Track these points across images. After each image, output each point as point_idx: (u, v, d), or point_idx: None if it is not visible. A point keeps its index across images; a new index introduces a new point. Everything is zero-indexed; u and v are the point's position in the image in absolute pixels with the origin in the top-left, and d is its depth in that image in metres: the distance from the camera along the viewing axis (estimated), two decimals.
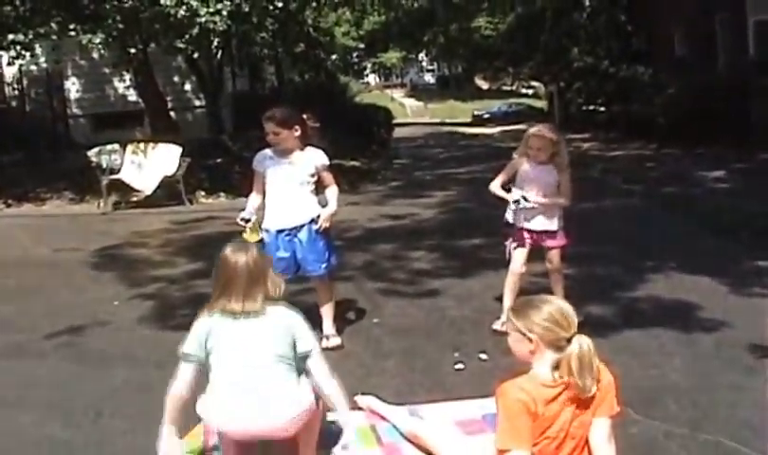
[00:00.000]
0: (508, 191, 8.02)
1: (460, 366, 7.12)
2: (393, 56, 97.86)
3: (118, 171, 19.20)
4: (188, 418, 5.81)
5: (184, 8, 20.35)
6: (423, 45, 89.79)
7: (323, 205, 7.82)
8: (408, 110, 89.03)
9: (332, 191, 7.88)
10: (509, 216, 8.01)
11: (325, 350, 7.40)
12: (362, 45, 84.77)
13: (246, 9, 21.71)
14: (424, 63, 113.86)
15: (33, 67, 29.79)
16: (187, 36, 21.43)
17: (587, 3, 42.45)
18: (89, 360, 7.76)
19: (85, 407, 6.45)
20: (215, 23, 20.67)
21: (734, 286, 9.26)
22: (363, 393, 6.09)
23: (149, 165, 19.28)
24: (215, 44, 24.64)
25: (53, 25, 22.45)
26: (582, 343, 4.18)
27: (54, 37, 23.54)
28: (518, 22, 60.22)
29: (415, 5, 62.13)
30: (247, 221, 7.53)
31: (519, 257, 8.02)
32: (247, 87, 38.80)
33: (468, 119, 69.88)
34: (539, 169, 7.82)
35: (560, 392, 4.16)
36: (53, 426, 6.13)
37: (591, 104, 40.68)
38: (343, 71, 75.58)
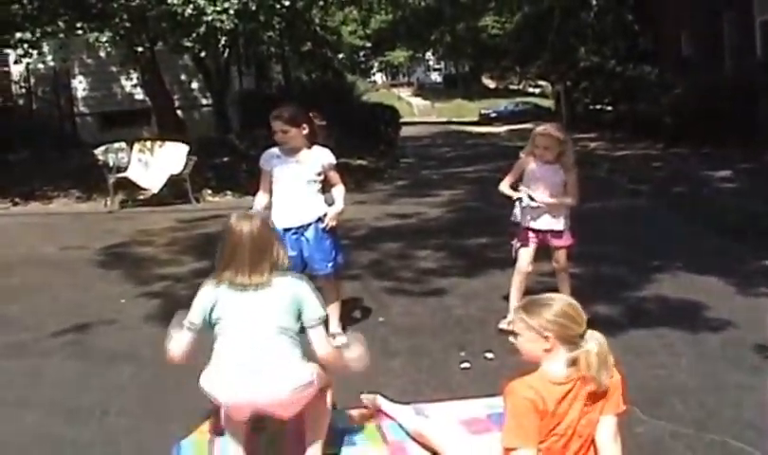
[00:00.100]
0: (517, 190, 8.01)
1: (466, 365, 7.12)
2: (399, 55, 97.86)
3: (125, 169, 19.22)
4: (190, 416, 5.84)
5: (191, 6, 20.37)
6: (430, 43, 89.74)
7: (330, 204, 7.82)
8: (414, 109, 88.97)
9: (339, 190, 7.88)
10: (516, 215, 8.01)
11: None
12: (369, 44, 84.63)
13: (254, 8, 21.70)
14: (431, 63, 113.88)
15: (40, 66, 29.83)
16: (194, 35, 21.45)
17: (594, 2, 42.40)
18: (95, 358, 7.77)
19: (91, 405, 6.45)
20: (222, 21, 20.69)
21: (740, 286, 9.25)
22: (369, 392, 6.09)
23: (156, 163, 19.30)
24: (222, 42, 24.64)
25: (60, 23, 22.49)
26: (598, 338, 4.22)
27: (61, 35, 23.62)
28: (525, 21, 60.17)
29: (422, 4, 62.15)
30: None
31: (525, 256, 8.02)
32: (254, 86, 38.83)
33: (475, 119, 69.72)
34: (546, 168, 7.81)
35: (570, 390, 4.16)
36: (59, 424, 6.14)
37: (597, 104, 40.63)
38: (350, 70, 75.64)
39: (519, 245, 8.04)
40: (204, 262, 11.11)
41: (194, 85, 33.04)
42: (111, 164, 19.18)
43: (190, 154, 19.36)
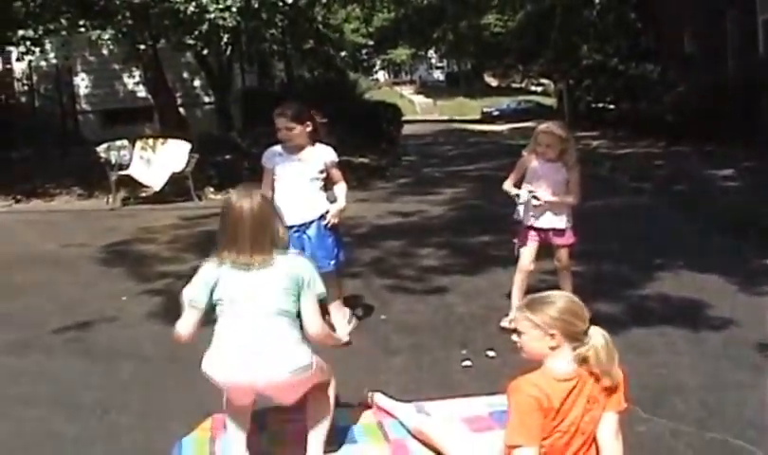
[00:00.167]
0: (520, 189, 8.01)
1: (467, 363, 7.12)
2: (402, 53, 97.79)
3: (127, 167, 19.21)
4: (192, 413, 5.84)
5: (194, 4, 20.37)
6: (432, 41, 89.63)
7: (332, 201, 7.83)
8: (417, 107, 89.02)
9: (341, 188, 7.89)
10: (519, 213, 8.01)
11: (333, 346, 7.44)
12: (371, 42, 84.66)
13: (256, 6, 21.71)
14: (433, 60, 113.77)
15: (43, 63, 29.80)
16: (196, 32, 21.45)
17: (596, 0, 42.39)
18: (97, 356, 7.78)
19: (93, 402, 6.46)
20: (225, 19, 20.68)
21: (742, 285, 9.24)
22: (371, 390, 6.09)
23: (158, 161, 19.28)
24: (225, 40, 24.61)
25: (63, 20, 22.48)
26: (603, 333, 4.25)
27: (64, 33, 23.59)
28: (527, 19, 60.21)
29: (425, 2, 62.22)
30: None
31: (527, 254, 8.02)
32: (257, 84, 38.82)
33: (478, 117, 69.82)
34: (548, 166, 7.81)
35: (575, 386, 4.17)
36: (60, 421, 6.14)
37: (600, 102, 40.67)
38: (353, 68, 75.58)
39: (521, 243, 8.04)
40: (206, 259, 11.12)
41: (197, 83, 33.03)
42: (113, 161, 19.17)
43: (192, 151, 19.35)
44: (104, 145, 19.70)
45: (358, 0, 40.11)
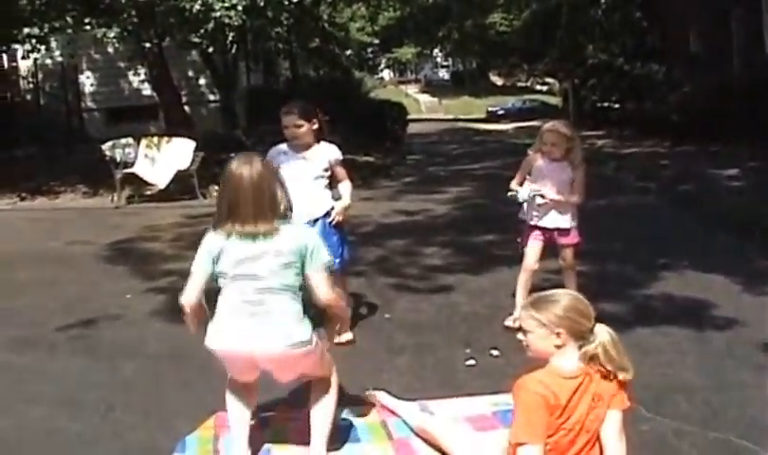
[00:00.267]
0: None
1: (471, 362, 7.11)
2: (407, 52, 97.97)
3: (132, 165, 19.21)
4: (197, 412, 5.85)
5: (199, 2, 20.43)
6: (438, 40, 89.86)
7: (337, 199, 7.82)
8: (422, 106, 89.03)
9: (345, 186, 7.88)
10: (523, 211, 8.00)
11: (337, 345, 7.43)
12: (377, 41, 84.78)
13: (262, 4, 21.74)
14: (438, 59, 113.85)
15: (48, 61, 29.93)
16: (202, 31, 21.51)
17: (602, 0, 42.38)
18: (101, 354, 7.78)
19: (97, 400, 6.45)
20: (230, 18, 20.74)
21: (747, 285, 9.23)
22: (374, 389, 6.10)
23: (163, 159, 19.28)
24: (230, 38, 24.68)
25: (68, 18, 22.56)
26: (608, 330, 4.25)
27: (69, 31, 23.70)
28: (533, 18, 60.28)
29: (430, 1, 62.21)
30: None
31: (532, 254, 8.01)
32: (262, 82, 38.87)
33: (483, 116, 69.86)
34: (554, 165, 7.80)
35: (581, 383, 4.17)
36: (64, 419, 6.13)
37: (605, 101, 40.65)
38: (358, 67, 75.72)
39: (525, 242, 8.04)
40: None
41: (202, 81, 33.11)
42: (118, 160, 19.17)
43: (197, 149, 19.35)
44: (109, 143, 19.70)
45: None
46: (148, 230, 14.70)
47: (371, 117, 32.43)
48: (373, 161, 25.71)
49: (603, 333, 4.24)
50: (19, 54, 28.26)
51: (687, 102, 27.64)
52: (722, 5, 29.53)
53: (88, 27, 23.23)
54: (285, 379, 5.12)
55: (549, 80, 76.99)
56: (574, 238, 7.97)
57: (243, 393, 5.17)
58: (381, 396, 5.97)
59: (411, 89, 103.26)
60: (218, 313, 4.98)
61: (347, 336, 7.76)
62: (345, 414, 5.65)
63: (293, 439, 5.39)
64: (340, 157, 7.83)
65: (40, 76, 30.68)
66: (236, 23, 21.13)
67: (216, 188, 19.30)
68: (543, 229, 7.93)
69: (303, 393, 5.25)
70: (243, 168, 4.93)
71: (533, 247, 7.99)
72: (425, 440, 5.31)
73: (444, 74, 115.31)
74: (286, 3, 22.77)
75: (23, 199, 19.62)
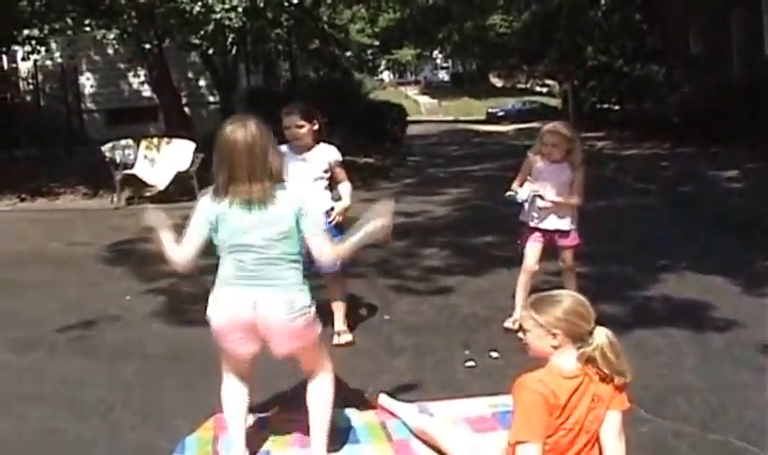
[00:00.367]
0: None
1: (471, 363, 7.11)
2: (407, 53, 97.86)
3: (132, 166, 19.21)
4: (196, 413, 5.85)
5: (199, 4, 20.42)
6: (437, 42, 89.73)
7: (337, 200, 7.82)
8: (422, 107, 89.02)
9: (345, 187, 7.88)
10: (524, 213, 8.00)
11: (337, 346, 7.45)
12: (377, 42, 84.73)
13: (262, 6, 21.73)
14: (438, 61, 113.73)
15: (48, 62, 29.92)
16: (202, 32, 21.50)
17: (602, 1, 42.37)
18: (101, 354, 7.78)
19: (96, 401, 6.46)
20: (231, 19, 20.72)
21: (746, 286, 9.24)
22: (374, 390, 6.10)
23: (162, 160, 19.27)
24: (230, 40, 24.67)
25: (68, 20, 22.55)
26: (606, 333, 4.24)
27: (69, 32, 23.67)
28: (533, 19, 60.32)
29: (430, 2, 62.20)
30: None
31: (531, 255, 8.00)
32: (262, 83, 38.85)
33: (482, 117, 69.86)
34: (553, 167, 7.79)
35: (581, 383, 4.18)
36: (64, 419, 6.14)
37: (605, 103, 40.67)
38: (358, 68, 75.68)
39: (525, 244, 8.04)
40: (210, 259, 11.11)
41: (202, 83, 33.12)
42: (118, 161, 19.17)
43: (196, 151, 19.33)
44: (109, 144, 19.70)
45: (364, 0, 40.08)
46: (148, 232, 14.54)
47: (370, 118, 32.42)
48: (372, 162, 25.71)
49: (601, 336, 4.23)
50: (19, 55, 28.25)
51: (687, 103, 27.65)
52: (722, 5, 29.53)
53: (88, 29, 23.22)
54: (284, 350, 5.05)
55: (549, 81, 77.01)
56: (573, 240, 7.97)
57: (238, 387, 5.18)
58: (381, 398, 5.98)
59: (411, 91, 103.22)
60: (218, 284, 4.99)
61: (347, 337, 7.77)
62: (345, 416, 5.66)
63: (292, 440, 5.40)
64: (340, 159, 7.84)
65: (40, 77, 30.68)
66: (236, 24, 21.13)
67: None
68: (543, 231, 7.92)
69: (302, 394, 5.24)
70: (237, 132, 4.89)
71: (532, 249, 7.99)
72: (424, 441, 5.31)
73: (444, 75, 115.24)
74: (286, 4, 22.75)
75: (23, 200, 19.62)
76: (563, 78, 51.19)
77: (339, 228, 7.76)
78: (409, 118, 42.83)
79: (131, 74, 31.58)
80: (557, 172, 7.79)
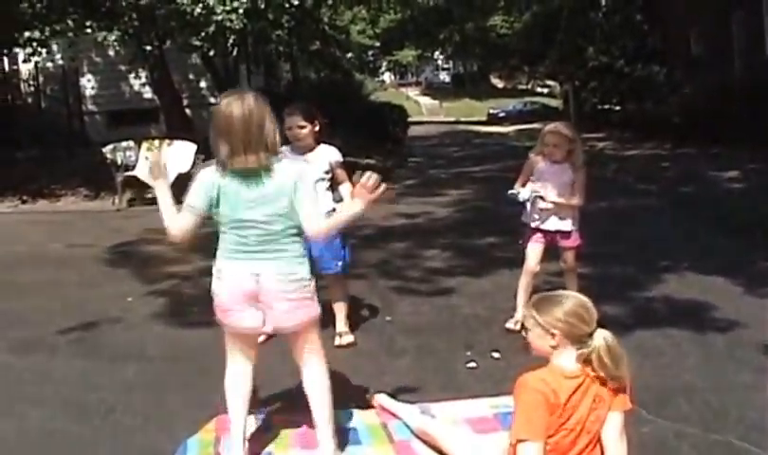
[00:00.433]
0: None
1: (472, 364, 7.10)
2: (408, 54, 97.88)
3: (133, 167, 19.19)
4: (196, 414, 5.85)
5: (200, 5, 20.41)
6: (438, 43, 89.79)
7: (338, 201, 7.81)
8: (423, 108, 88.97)
9: (346, 188, 7.86)
10: (526, 214, 8.00)
11: (338, 347, 7.45)
12: (378, 44, 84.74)
13: (263, 7, 21.74)
14: (439, 62, 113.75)
15: (49, 64, 29.92)
16: (203, 34, 21.49)
17: (603, 2, 42.40)
18: (102, 356, 7.77)
19: (97, 402, 6.45)
20: (232, 21, 20.72)
21: (748, 287, 9.23)
22: (375, 391, 6.09)
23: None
24: (231, 41, 24.67)
25: (69, 22, 22.56)
26: (606, 336, 4.23)
27: (70, 34, 23.66)
28: (533, 20, 60.37)
29: (431, 3, 62.21)
30: None
31: (533, 256, 8.00)
32: (263, 85, 38.81)
33: (483, 118, 69.83)
34: (555, 168, 7.78)
35: (581, 383, 4.18)
36: (64, 421, 6.13)
37: (606, 103, 40.70)
38: (359, 69, 75.65)
39: (527, 244, 8.03)
40: (211, 260, 11.09)
41: (203, 84, 33.11)
42: (119, 162, 19.18)
43: (198, 152, 19.31)
44: (110, 146, 19.72)
45: (365, 1, 40.10)
46: (149, 233, 14.64)
47: (372, 119, 32.47)
48: (374, 164, 25.62)
49: (599, 339, 4.23)
50: (20, 57, 28.29)
51: (688, 104, 27.68)
52: (723, 7, 29.54)
53: (89, 31, 23.23)
54: (285, 324, 5.03)
55: (550, 82, 76.99)
56: (575, 241, 7.96)
57: (243, 373, 5.17)
58: (382, 399, 5.97)
59: (412, 92, 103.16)
60: (220, 257, 5.04)
61: (348, 338, 7.77)
62: (346, 417, 5.65)
63: (294, 441, 5.39)
64: (341, 159, 7.83)
65: (41, 79, 30.69)
66: (237, 26, 21.13)
67: None
68: (545, 232, 7.92)
69: (303, 395, 5.24)
70: (232, 106, 4.90)
71: (534, 250, 7.98)
72: (425, 442, 5.31)
73: (445, 76, 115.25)
74: (287, 6, 22.75)
75: (24, 202, 19.64)
76: (564, 78, 51.21)
77: (342, 231, 7.78)
78: (410, 120, 42.86)
79: (132, 76, 31.56)
80: (558, 172, 7.78)
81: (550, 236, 7.93)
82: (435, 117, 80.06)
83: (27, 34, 22.84)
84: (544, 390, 4.11)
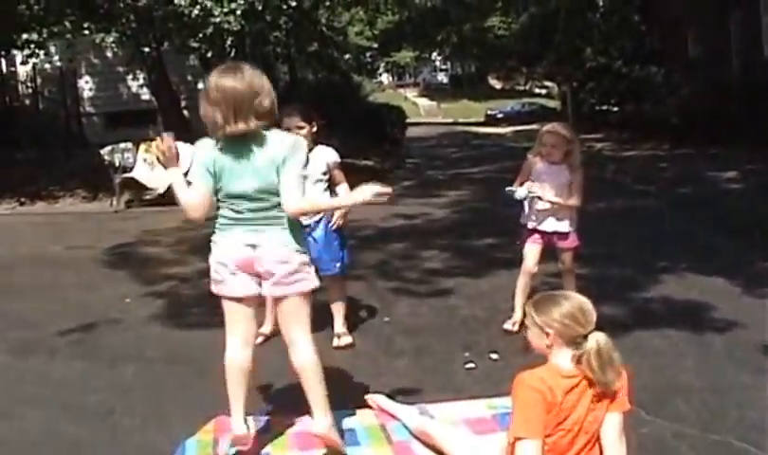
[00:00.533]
0: None
1: (471, 365, 7.10)
2: (406, 55, 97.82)
3: (131, 169, 19.22)
4: (196, 416, 5.85)
5: (198, 7, 20.41)
6: (436, 44, 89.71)
7: None
8: (421, 109, 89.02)
9: (344, 189, 7.87)
10: (524, 215, 8.00)
11: (336, 348, 7.45)
12: (375, 45, 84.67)
13: (260, 8, 21.73)
14: (437, 63, 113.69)
15: (47, 66, 29.92)
16: (201, 35, 21.50)
17: (600, 2, 42.43)
18: (101, 358, 7.77)
19: (96, 403, 6.45)
20: (229, 22, 20.74)
21: (746, 287, 9.23)
22: (373, 392, 6.09)
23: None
24: (229, 43, 24.68)
25: (67, 23, 22.59)
26: (599, 339, 4.20)
27: (68, 36, 23.71)
28: (531, 21, 60.29)
29: (429, 4, 62.17)
30: None
31: (531, 257, 8.00)
32: None
33: (481, 119, 69.91)
34: (552, 168, 7.78)
35: (578, 383, 4.18)
36: (64, 422, 6.13)
37: (604, 104, 40.71)
38: (356, 70, 75.55)
39: (525, 245, 8.03)
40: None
41: (201, 85, 33.02)
42: (117, 164, 19.18)
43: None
44: (108, 148, 19.72)
45: (362, 3, 40.08)
46: (147, 235, 14.71)
47: (370, 120, 32.48)
48: (372, 165, 25.70)
49: (592, 342, 4.22)
50: (18, 59, 28.29)
51: (686, 105, 27.70)
52: (721, 7, 29.54)
53: (87, 32, 23.28)
54: (279, 291, 5.06)
55: (548, 83, 77.07)
56: (573, 242, 7.96)
57: (242, 349, 5.16)
58: (380, 400, 5.97)
59: (410, 93, 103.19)
60: (217, 229, 5.11)
61: (347, 339, 7.76)
62: (344, 418, 5.64)
63: (293, 443, 5.39)
64: (338, 160, 7.82)
65: (39, 81, 30.67)
66: (235, 27, 21.16)
67: None
68: (542, 233, 7.92)
69: (302, 396, 5.23)
70: (225, 79, 4.94)
71: (532, 251, 7.98)
72: (424, 443, 5.31)
73: (442, 78, 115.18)
74: (285, 7, 22.76)
75: (22, 204, 19.64)
76: (562, 79, 51.25)
77: (340, 232, 7.78)
78: (408, 121, 42.86)
79: (130, 77, 31.61)
80: (555, 173, 7.78)
81: (547, 237, 7.93)
82: (433, 118, 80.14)
83: (24, 36, 22.88)
84: (541, 388, 4.11)
